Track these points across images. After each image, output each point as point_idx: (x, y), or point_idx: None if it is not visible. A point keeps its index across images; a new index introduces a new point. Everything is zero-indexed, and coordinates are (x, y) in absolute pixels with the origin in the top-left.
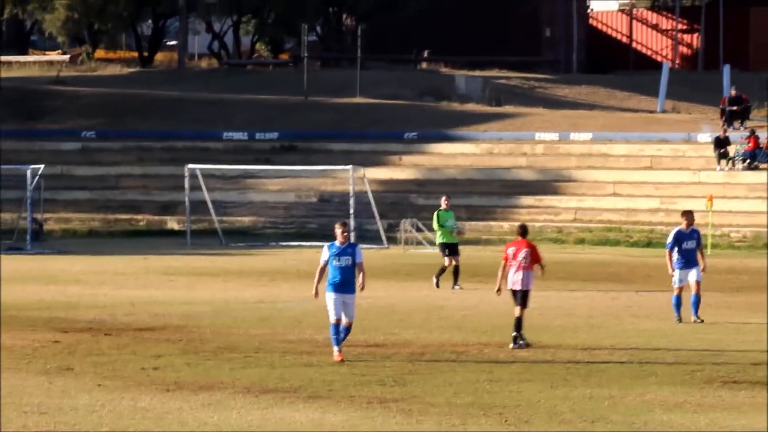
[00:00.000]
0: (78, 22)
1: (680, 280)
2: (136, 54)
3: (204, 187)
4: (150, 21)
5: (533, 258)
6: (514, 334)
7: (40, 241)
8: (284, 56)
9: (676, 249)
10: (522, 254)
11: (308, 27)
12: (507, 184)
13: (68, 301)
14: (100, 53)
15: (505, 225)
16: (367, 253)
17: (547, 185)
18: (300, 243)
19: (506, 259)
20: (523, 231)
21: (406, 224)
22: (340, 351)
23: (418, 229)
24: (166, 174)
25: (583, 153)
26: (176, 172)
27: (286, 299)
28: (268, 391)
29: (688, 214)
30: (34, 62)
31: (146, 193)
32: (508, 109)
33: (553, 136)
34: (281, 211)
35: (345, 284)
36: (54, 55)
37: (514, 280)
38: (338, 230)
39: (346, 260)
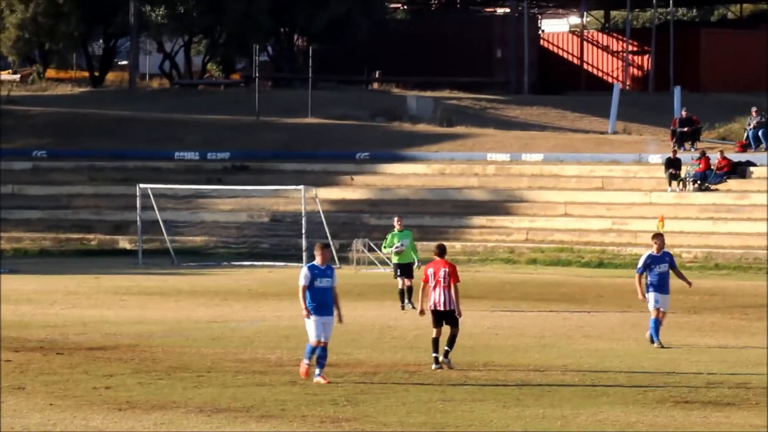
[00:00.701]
0: (28, 42)
1: (656, 302)
2: (87, 74)
3: (156, 207)
4: (101, 41)
5: (453, 277)
6: (447, 349)
7: None
8: (236, 76)
9: (647, 273)
10: (441, 274)
11: (260, 47)
12: (459, 204)
13: (19, 320)
14: (50, 73)
15: (457, 245)
16: None
17: (498, 206)
18: (252, 262)
19: (426, 280)
20: (441, 251)
21: (358, 244)
22: (309, 365)
23: (370, 249)
24: (117, 193)
25: (534, 173)
26: (128, 192)
27: (239, 319)
28: (221, 411)
29: (658, 237)
30: None
31: (98, 212)
32: (459, 129)
33: (505, 156)
34: (233, 230)
35: (326, 306)
36: (4, 75)
37: (436, 300)
38: (319, 251)
39: (327, 281)
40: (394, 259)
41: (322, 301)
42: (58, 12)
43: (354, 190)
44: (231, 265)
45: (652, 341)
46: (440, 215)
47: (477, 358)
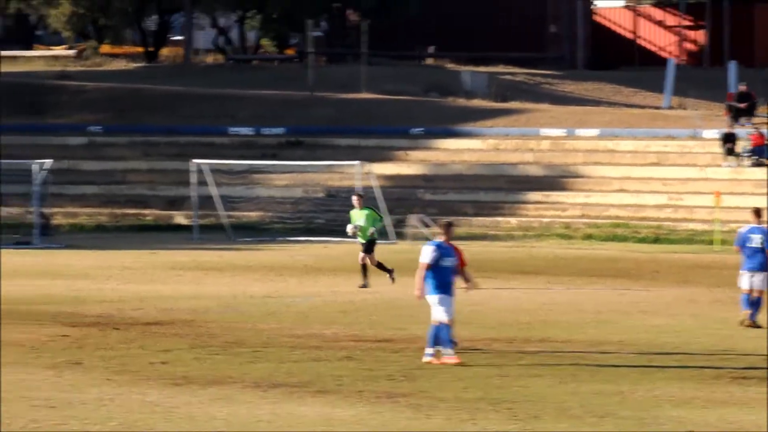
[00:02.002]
0: (82, 18)
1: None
2: (141, 49)
3: (211, 182)
4: (155, 16)
5: (461, 263)
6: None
7: (47, 235)
8: (289, 51)
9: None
10: None
11: (313, 22)
12: (514, 179)
13: (76, 295)
14: (105, 48)
15: (512, 221)
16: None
17: (554, 181)
18: (307, 238)
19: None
20: (447, 229)
21: (413, 219)
22: (434, 355)
23: (426, 224)
24: (172, 169)
25: (589, 149)
26: (182, 167)
27: (294, 294)
28: (277, 386)
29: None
30: (40, 57)
31: (153, 187)
32: (513, 105)
33: (560, 132)
34: (288, 206)
35: (450, 285)
36: (59, 50)
37: None
38: (445, 229)
39: (451, 261)
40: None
41: (446, 280)
42: None
43: (409, 165)
44: (286, 241)
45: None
46: (495, 191)
47: (533, 334)
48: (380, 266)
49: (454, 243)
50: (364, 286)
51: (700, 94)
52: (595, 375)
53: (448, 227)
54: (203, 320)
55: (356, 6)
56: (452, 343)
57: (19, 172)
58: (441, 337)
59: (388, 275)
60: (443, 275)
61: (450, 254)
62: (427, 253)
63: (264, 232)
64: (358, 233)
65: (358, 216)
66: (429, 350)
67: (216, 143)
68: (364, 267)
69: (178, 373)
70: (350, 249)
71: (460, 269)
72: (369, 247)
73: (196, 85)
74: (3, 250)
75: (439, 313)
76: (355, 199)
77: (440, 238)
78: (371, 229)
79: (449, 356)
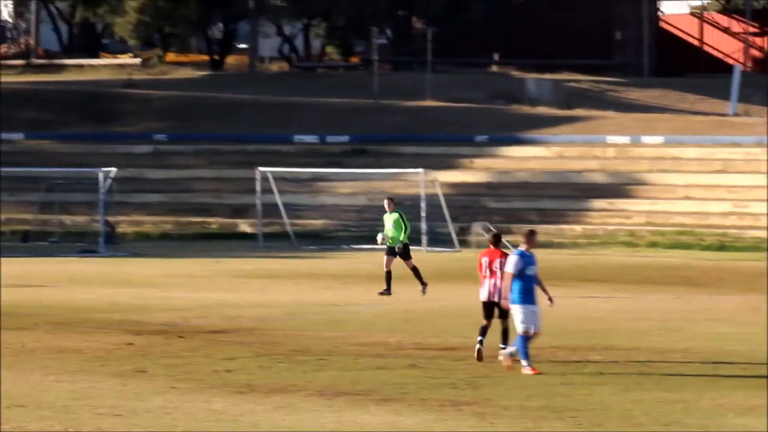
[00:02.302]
0: (148, 26)
1: None
2: (206, 57)
3: (275, 190)
4: (220, 24)
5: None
6: (502, 346)
7: (113, 243)
8: (354, 59)
9: None
10: (497, 264)
11: (378, 30)
12: (578, 187)
13: (141, 303)
14: (170, 56)
15: (577, 228)
16: (439, 256)
17: (618, 188)
18: (372, 246)
19: (480, 269)
20: (497, 240)
21: (477, 227)
22: (530, 365)
23: (490, 232)
24: (237, 177)
25: (654, 156)
26: (247, 175)
27: (359, 302)
28: (341, 394)
29: None
30: (106, 65)
31: (218, 196)
32: (579, 112)
33: (625, 139)
34: (353, 213)
35: (533, 294)
36: (125, 59)
37: (491, 291)
38: (529, 237)
39: (534, 269)
40: (387, 242)
41: (530, 288)
42: None
43: (473, 173)
44: (351, 248)
45: None
46: (560, 198)
47: (597, 342)
48: (389, 276)
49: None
50: (423, 286)
51: (765, 100)
52: (660, 383)
53: (530, 235)
54: (268, 328)
55: (422, 13)
56: (517, 351)
57: (84, 180)
58: (517, 347)
59: (385, 290)
60: (526, 284)
61: (532, 262)
62: (512, 263)
63: (328, 240)
64: (388, 241)
65: (388, 219)
66: (524, 362)
67: (281, 151)
68: (388, 274)
69: (243, 381)
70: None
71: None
72: (405, 254)
73: (261, 93)
74: (68, 258)
75: (518, 324)
76: (386, 202)
77: (522, 247)
78: (399, 244)
79: (527, 368)
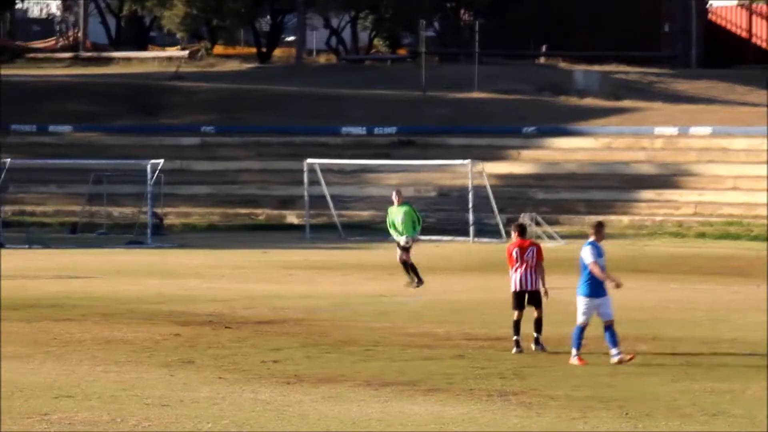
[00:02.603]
0: (196, 19)
1: None
2: (254, 50)
3: (323, 182)
4: (268, 17)
5: (539, 256)
6: (536, 336)
7: (160, 235)
8: (402, 51)
9: None
10: (529, 253)
11: (426, 22)
12: (626, 178)
13: (188, 294)
14: (218, 49)
15: (625, 219)
16: (486, 247)
17: (666, 179)
18: (419, 237)
19: (510, 260)
20: (522, 230)
21: (525, 218)
22: (578, 355)
23: (538, 223)
24: (284, 169)
25: (702, 147)
26: (295, 167)
27: (406, 293)
28: (388, 384)
29: None
30: (153, 58)
31: (265, 187)
32: (626, 103)
33: (672, 130)
34: None
35: (602, 286)
36: (173, 51)
37: (522, 280)
38: (598, 229)
39: (603, 261)
40: (398, 237)
41: (598, 281)
42: None
43: (521, 164)
44: None
45: None
46: (607, 189)
47: (646, 332)
48: (413, 268)
49: (537, 241)
50: (419, 282)
51: None
52: (708, 373)
53: (599, 227)
54: (315, 319)
55: (470, 5)
56: (579, 343)
57: (132, 172)
58: (573, 335)
59: (416, 280)
60: (594, 276)
61: (602, 254)
62: (589, 252)
63: (376, 232)
64: (410, 241)
65: (396, 212)
66: (573, 351)
67: (328, 143)
68: (406, 265)
69: (290, 371)
70: (461, 248)
71: (540, 264)
72: (407, 249)
73: (309, 86)
74: (116, 250)
75: (578, 315)
76: (394, 194)
77: (591, 238)
78: (409, 238)
79: (574, 357)
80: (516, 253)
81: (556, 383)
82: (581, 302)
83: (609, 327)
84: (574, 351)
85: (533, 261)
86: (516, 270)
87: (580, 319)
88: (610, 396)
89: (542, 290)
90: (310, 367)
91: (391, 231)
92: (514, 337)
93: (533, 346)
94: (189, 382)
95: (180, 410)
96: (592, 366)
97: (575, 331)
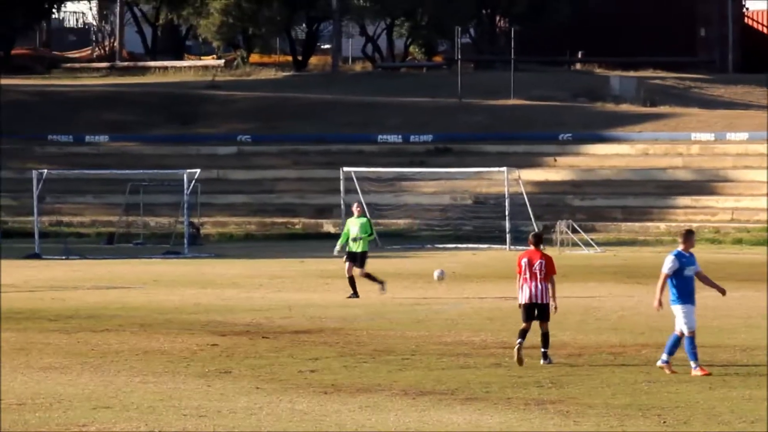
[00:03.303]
0: (232, 27)
1: None
2: (290, 58)
3: (359, 190)
4: (304, 25)
5: (549, 268)
6: (544, 350)
7: (197, 245)
8: (438, 59)
9: None
10: (537, 265)
11: (461, 29)
12: (663, 184)
13: (225, 304)
14: (254, 57)
15: (662, 225)
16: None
17: (703, 185)
18: (456, 245)
19: (520, 271)
20: (537, 240)
21: (561, 225)
22: (668, 363)
23: (574, 230)
24: (321, 177)
25: (739, 153)
26: (331, 175)
27: (442, 302)
28: (425, 393)
29: None
30: (190, 67)
31: (302, 196)
32: (663, 109)
33: (709, 136)
34: (436, 213)
35: (692, 294)
36: (209, 60)
37: (531, 293)
38: (686, 237)
39: (692, 270)
40: (349, 247)
41: (689, 289)
42: None
43: (557, 171)
44: (434, 248)
45: None
46: (644, 195)
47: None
48: (369, 276)
49: (546, 251)
50: (382, 286)
51: None
52: (746, 380)
53: (687, 235)
54: (352, 328)
55: (506, 12)
56: (694, 354)
57: (169, 182)
58: (686, 350)
59: (379, 285)
60: (685, 284)
61: (691, 263)
62: (667, 263)
63: (412, 240)
64: (350, 246)
65: (354, 224)
66: (664, 356)
67: (365, 151)
68: (352, 279)
69: (327, 381)
70: (498, 255)
71: (551, 278)
72: (363, 260)
73: (345, 93)
74: (153, 259)
75: (680, 324)
76: (355, 206)
77: (680, 247)
78: (360, 238)
79: (696, 369)
80: (525, 263)
81: (594, 391)
82: (679, 311)
83: (691, 338)
84: (693, 363)
85: (542, 274)
86: (525, 282)
87: (684, 329)
88: (648, 404)
89: (552, 304)
90: (347, 377)
91: (340, 242)
92: (518, 340)
93: (541, 361)
94: (226, 392)
95: (217, 421)
96: (631, 374)
97: (687, 342)
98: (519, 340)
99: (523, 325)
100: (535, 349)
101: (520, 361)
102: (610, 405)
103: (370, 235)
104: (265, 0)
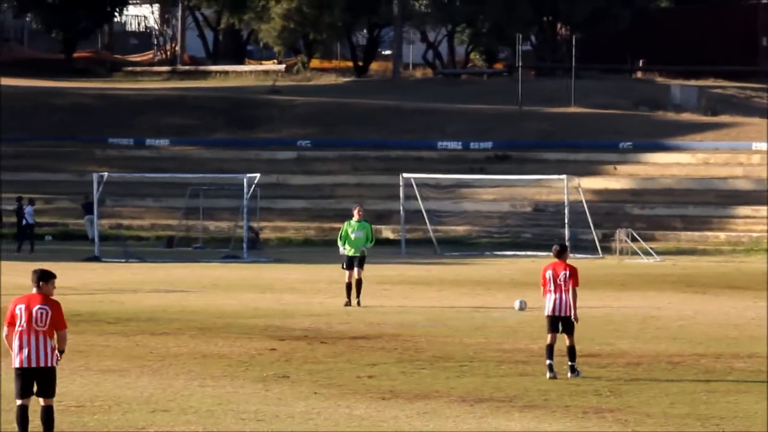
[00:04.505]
0: (293, 32)
1: None
2: (351, 63)
3: (418, 196)
4: (365, 31)
5: (573, 280)
6: (571, 364)
7: (256, 249)
8: (499, 66)
9: None
10: (561, 276)
11: (522, 36)
12: (723, 194)
13: (284, 309)
14: (315, 63)
15: (722, 235)
16: (581, 262)
17: (763, 195)
18: (515, 252)
19: (544, 283)
20: (561, 252)
21: (621, 234)
22: None
23: (633, 239)
24: (380, 183)
25: None
26: (390, 181)
27: (501, 309)
28: (483, 400)
29: None
30: (250, 72)
31: (361, 201)
32: (724, 118)
33: None
34: (496, 220)
35: None
36: (270, 65)
37: (556, 305)
38: None
39: None
40: (347, 251)
41: None
42: (322, 2)
43: (617, 179)
44: (493, 255)
45: None
46: (704, 205)
47: (741, 349)
48: (359, 284)
49: (569, 261)
50: (359, 301)
51: None
52: None
53: None
54: (410, 334)
55: (567, 19)
56: None
57: (229, 186)
58: None
59: (357, 298)
60: None
61: None
62: None
63: (471, 246)
64: (350, 251)
65: (357, 227)
66: None
67: (424, 157)
68: (350, 287)
69: (385, 387)
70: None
71: (573, 289)
72: (362, 264)
73: (405, 100)
74: (212, 263)
75: None
76: (357, 209)
77: None
78: (364, 248)
79: None
80: (550, 275)
81: (653, 400)
82: None
83: None
84: None
85: (567, 285)
86: (550, 294)
87: None
88: (706, 413)
89: (573, 316)
90: (405, 383)
91: (340, 243)
92: (548, 362)
93: (569, 374)
94: (284, 396)
95: (275, 425)
96: (689, 383)
97: None
98: (548, 362)
99: (548, 338)
100: (593, 357)
101: (553, 377)
102: (668, 414)
103: (371, 241)
104: (326, 5)
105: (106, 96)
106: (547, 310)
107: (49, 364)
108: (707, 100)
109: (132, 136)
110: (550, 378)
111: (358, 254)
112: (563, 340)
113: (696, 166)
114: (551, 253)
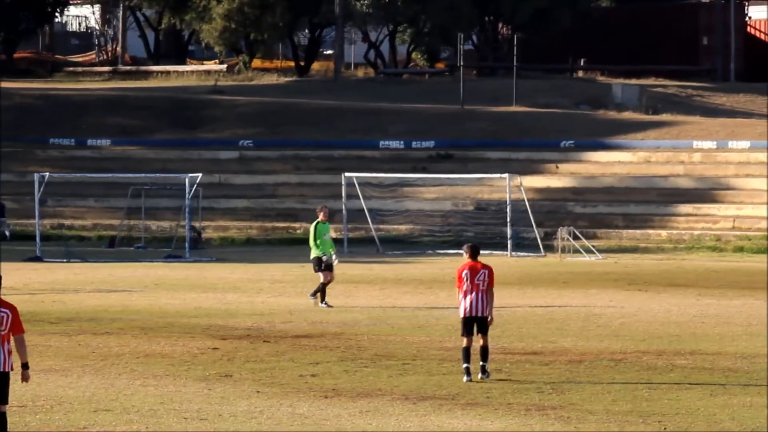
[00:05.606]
0: (235, 32)
1: None
2: (292, 63)
3: (361, 195)
4: (306, 30)
5: (491, 281)
6: (482, 364)
7: (198, 249)
8: (440, 65)
9: None
10: (480, 276)
11: (464, 36)
12: (664, 192)
13: (226, 308)
14: (257, 63)
15: (663, 233)
16: (523, 261)
17: (704, 193)
18: (457, 251)
19: (460, 285)
20: (474, 252)
21: (563, 232)
22: None
23: (575, 237)
24: (322, 182)
25: (741, 161)
26: (333, 180)
27: (443, 307)
28: (426, 398)
29: None
30: (192, 72)
31: (303, 201)
32: (665, 117)
33: (711, 144)
34: (438, 219)
35: None
36: (211, 65)
37: (473, 305)
38: None
39: None
40: (317, 253)
41: None
42: (263, 2)
43: (559, 178)
44: (436, 254)
45: None
46: (645, 203)
47: (683, 346)
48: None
49: (484, 261)
50: (325, 302)
51: None
52: (746, 388)
53: None
54: (353, 333)
55: (509, 19)
56: None
57: (170, 186)
58: None
59: (321, 298)
60: None
61: None
62: None
63: (413, 245)
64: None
65: (325, 230)
66: None
67: (367, 156)
68: (324, 287)
69: (328, 385)
70: (498, 261)
71: (491, 289)
72: (331, 266)
73: (347, 99)
74: (155, 263)
75: None
76: (322, 210)
77: None
78: (329, 256)
79: None
80: (466, 275)
81: (595, 397)
82: None
83: None
84: None
85: (485, 285)
86: (467, 295)
87: None
88: (648, 410)
89: (489, 317)
90: (347, 381)
91: (314, 245)
92: (464, 365)
93: (480, 375)
94: (227, 395)
95: (218, 424)
96: (631, 380)
97: None
98: (465, 365)
99: (464, 341)
100: (536, 355)
101: (470, 381)
102: (610, 411)
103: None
104: (267, 5)
105: (47, 96)
106: (463, 311)
107: (6, 369)
108: (648, 99)
109: (73, 137)
110: (466, 381)
111: (333, 255)
112: (478, 341)
113: (637, 164)
114: (463, 254)
